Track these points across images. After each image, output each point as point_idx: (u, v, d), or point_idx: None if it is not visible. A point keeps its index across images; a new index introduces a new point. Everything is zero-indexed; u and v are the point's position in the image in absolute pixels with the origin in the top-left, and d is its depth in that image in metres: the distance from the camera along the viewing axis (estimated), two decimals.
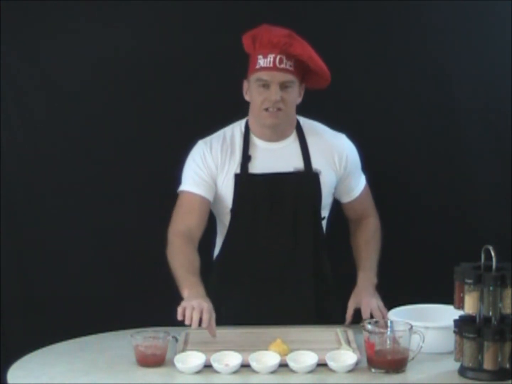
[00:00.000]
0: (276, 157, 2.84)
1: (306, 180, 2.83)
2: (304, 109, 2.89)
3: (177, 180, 2.90)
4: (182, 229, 2.78)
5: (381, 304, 2.69)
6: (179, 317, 2.47)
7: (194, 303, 2.49)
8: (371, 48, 3.36)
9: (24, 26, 3.32)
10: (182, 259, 2.71)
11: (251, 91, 2.80)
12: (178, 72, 3.35)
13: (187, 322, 2.46)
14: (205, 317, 2.47)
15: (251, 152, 2.84)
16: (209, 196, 2.82)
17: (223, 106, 3.22)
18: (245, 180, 2.82)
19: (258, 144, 2.86)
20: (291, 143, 2.87)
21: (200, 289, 2.59)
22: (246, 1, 3.27)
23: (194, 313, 2.46)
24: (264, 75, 2.75)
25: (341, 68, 3.18)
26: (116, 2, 3.32)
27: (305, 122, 2.91)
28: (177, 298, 3.13)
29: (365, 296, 2.70)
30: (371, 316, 2.62)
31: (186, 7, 3.32)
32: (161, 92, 3.37)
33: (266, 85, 2.75)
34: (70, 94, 3.36)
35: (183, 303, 2.51)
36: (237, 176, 2.82)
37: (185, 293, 2.57)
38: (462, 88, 3.38)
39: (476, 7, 3.33)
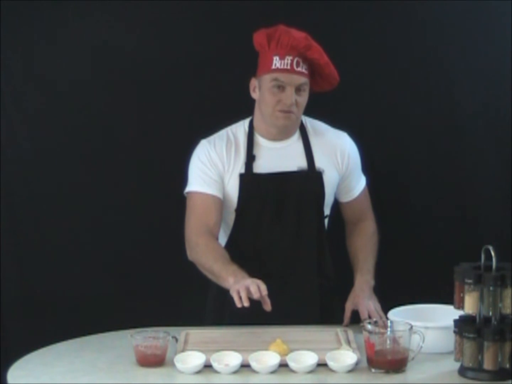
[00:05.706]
0: (280, 156, 2.84)
1: (310, 179, 2.83)
2: (306, 108, 2.88)
3: (179, 180, 2.89)
4: (203, 229, 2.77)
5: (378, 306, 2.69)
6: (238, 305, 2.48)
7: (247, 282, 2.51)
8: (371, 49, 3.36)
9: (23, 26, 3.32)
10: (214, 254, 2.71)
11: (263, 90, 2.77)
12: (180, 72, 3.35)
13: (245, 303, 2.47)
14: (262, 287, 2.50)
15: (255, 151, 2.83)
16: (220, 195, 2.81)
17: (225, 105, 3.22)
18: (250, 180, 2.81)
19: (262, 144, 2.85)
20: (295, 142, 2.86)
21: (245, 274, 2.60)
22: (249, 1, 3.27)
23: (251, 286, 2.49)
24: (281, 77, 2.72)
25: (342, 69, 3.18)
26: (116, 2, 3.32)
27: (307, 121, 2.91)
28: (177, 299, 3.15)
29: (362, 299, 2.70)
30: (369, 318, 2.61)
31: (188, 6, 3.32)
32: (162, 92, 3.37)
33: (281, 87, 2.73)
34: (70, 94, 3.36)
35: (235, 286, 2.52)
36: (242, 176, 2.81)
37: (230, 280, 2.58)
38: (462, 88, 3.38)
39: (476, 7, 3.33)
